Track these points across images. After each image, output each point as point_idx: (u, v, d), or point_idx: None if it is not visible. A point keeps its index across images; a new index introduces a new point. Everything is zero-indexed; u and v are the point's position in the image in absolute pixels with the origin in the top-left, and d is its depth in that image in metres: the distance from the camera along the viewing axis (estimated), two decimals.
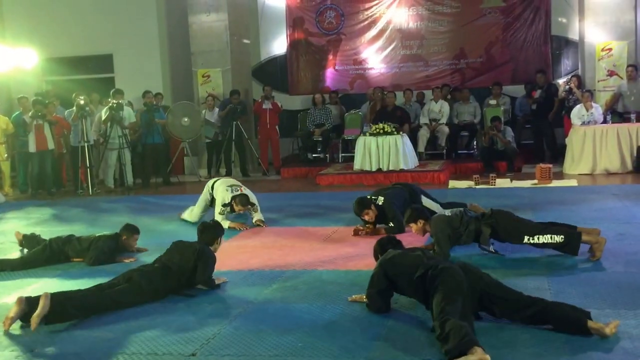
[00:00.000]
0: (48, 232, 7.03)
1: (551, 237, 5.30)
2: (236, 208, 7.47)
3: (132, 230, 6.23)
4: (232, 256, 6.13)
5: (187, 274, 4.90)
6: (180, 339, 4.03)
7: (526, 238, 5.37)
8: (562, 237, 5.29)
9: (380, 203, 6.77)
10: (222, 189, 7.56)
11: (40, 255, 6.01)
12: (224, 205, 7.48)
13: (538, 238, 5.33)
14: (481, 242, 5.56)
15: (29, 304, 4.27)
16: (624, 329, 3.80)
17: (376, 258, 4.62)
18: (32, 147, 10.87)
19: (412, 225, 5.68)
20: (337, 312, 4.37)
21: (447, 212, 5.88)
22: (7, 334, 4.24)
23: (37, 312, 4.17)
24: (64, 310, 4.32)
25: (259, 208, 7.69)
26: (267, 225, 7.51)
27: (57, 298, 4.33)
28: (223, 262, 5.88)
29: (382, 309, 4.31)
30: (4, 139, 11.05)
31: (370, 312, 4.31)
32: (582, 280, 4.84)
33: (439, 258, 4.57)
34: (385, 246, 4.64)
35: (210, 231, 5.21)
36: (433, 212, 6.25)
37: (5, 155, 11.10)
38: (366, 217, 6.75)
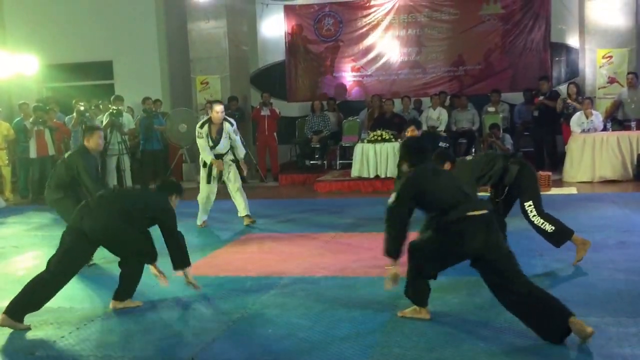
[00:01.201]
0: (48, 236, 7.05)
1: (543, 224, 5.39)
2: (215, 116, 7.68)
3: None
4: (230, 262, 6.14)
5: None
6: (178, 343, 4.03)
7: (530, 206, 5.41)
8: (553, 228, 5.38)
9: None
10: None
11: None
12: (201, 126, 7.72)
13: (535, 215, 5.42)
14: (506, 182, 5.50)
15: None
16: (625, 336, 3.79)
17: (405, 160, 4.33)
18: (32, 153, 10.94)
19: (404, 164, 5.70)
20: (335, 319, 4.36)
21: (469, 157, 6.01)
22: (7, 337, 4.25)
23: None
24: (24, 310, 4.40)
25: (239, 142, 7.94)
26: (263, 232, 7.51)
27: (11, 311, 4.37)
28: (221, 268, 5.90)
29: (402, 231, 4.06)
30: (5, 145, 11.10)
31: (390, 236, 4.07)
32: (582, 288, 4.83)
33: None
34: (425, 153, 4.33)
35: (168, 185, 5.08)
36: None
37: (7, 160, 11.14)
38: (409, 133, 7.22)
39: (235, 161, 7.94)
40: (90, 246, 4.63)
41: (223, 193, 8.22)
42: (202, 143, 7.77)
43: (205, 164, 7.89)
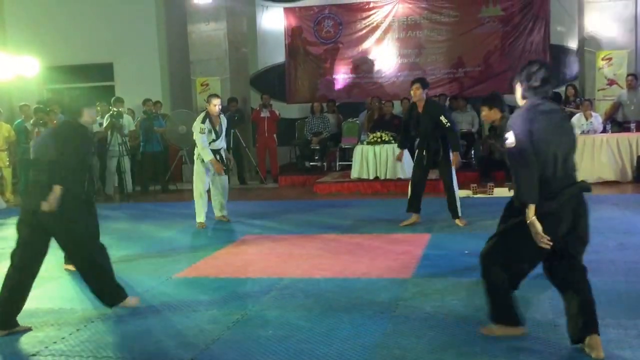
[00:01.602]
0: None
1: None
2: (213, 109, 7.85)
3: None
4: (230, 263, 6.16)
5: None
6: (179, 345, 4.04)
7: None
8: None
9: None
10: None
11: None
12: (202, 120, 7.85)
13: None
14: None
15: None
16: (625, 338, 3.80)
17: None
18: (33, 154, 10.93)
19: (485, 109, 5.62)
20: (335, 319, 4.37)
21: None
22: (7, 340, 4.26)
23: None
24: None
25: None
26: (263, 234, 7.52)
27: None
28: (221, 270, 5.92)
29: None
30: (6, 146, 11.13)
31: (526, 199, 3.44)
32: None
33: None
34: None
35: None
36: None
37: (7, 162, 11.17)
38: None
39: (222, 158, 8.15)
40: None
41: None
42: (203, 139, 7.81)
43: (202, 160, 7.95)
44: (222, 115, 8.14)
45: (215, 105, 7.90)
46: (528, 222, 3.42)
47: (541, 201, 3.41)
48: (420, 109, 7.43)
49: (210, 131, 7.86)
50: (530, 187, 3.39)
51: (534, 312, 4.29)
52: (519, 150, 3.40)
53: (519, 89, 3.64)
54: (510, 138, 3.45)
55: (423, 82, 7.45)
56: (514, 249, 3.63)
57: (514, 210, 3.61)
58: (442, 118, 7.25)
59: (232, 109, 12.23)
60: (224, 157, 8.13)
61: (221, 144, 8.07)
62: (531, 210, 3.41)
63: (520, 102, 3.65)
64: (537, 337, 3.85)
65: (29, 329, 4.40)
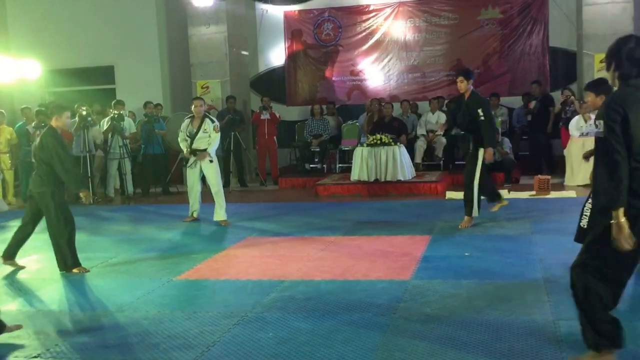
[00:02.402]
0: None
1: None
2: (195, 110, 8.35)
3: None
4: (230, 265, 6.20)
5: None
6: (180, 346, 4.06)
7: None
8: None
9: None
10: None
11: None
12: (184, 122, 8.45)
13: None
14: None
15: None
16: (630, 330, 3.75)
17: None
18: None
19: (590, 94, 4.85)
20: (336, 322, 4.40)
21: None
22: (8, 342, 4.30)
23: None
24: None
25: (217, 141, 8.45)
26: (264, 236, 7.56)
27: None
28: (222, 272, 5.95)
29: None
30: (8, 149, 11.16)
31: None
32: None
33: None
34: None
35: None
36: None
37: (9, 164, 11.19)
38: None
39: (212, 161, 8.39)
40: None
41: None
42: (180, 136, 8.49)
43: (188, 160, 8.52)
44: (207, 119, 8.42)
45: (197, 106, 8.43)
46: (614, 223, 2.99)
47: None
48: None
49: (185, 129, 8.44)
50: (614, 188, 3.01)
51: (534, 314, 4.32)
52: (608, 141, 3.00)
53: (611, 72, 3.17)
54: (600, 126, 3.05)
55: (465, 74, 7.40)
56: (609, 255, 3.10)
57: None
58: (480, 111, 7.22)
59: (230, 107, 12.28)
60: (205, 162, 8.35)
61: (200, 144, 8.33)
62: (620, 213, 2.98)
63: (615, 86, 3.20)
64: (538, 338, 3.87)
65: (19, 327, 4.46)
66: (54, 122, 6.24)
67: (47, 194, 6.02)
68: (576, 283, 3.22)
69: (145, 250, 6.97)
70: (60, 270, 6.12)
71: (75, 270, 6.09)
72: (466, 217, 7.41)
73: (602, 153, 3.07)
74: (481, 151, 7.26)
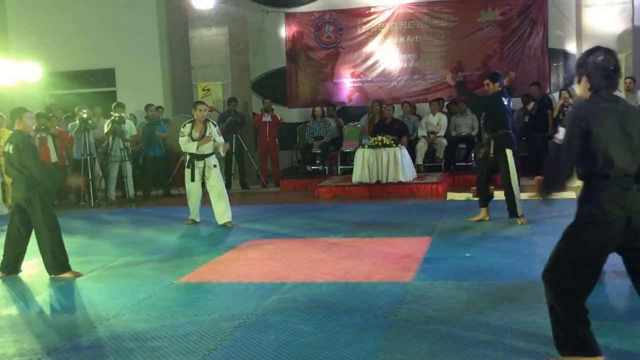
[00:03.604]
0: None
1: None
2: (198, 114, 8.19)
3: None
4: (232, 268, 6.20)
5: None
6: (182, 350, 4.07)
7: None
8: None
9: None
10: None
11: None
12: (184, 125, 8.34)
13: None
14: None
15: None
16: (631, 330, 3.79)
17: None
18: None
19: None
20: (338, 324, 4.40)
21: None
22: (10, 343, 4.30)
23: None
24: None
25: (221, 139, 8.47)
26: (265, 238, 7.57)
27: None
28: (223, 274, 5.96)
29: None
30: None
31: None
32: None
33: None
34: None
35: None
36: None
37: None
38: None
39: (216, 165, 8.41)
40: None
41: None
42: (183, 140, 8.27)
43: (188, 164, 8.35)
44: (210, 123, 8.37)
45: (201, 110, 8.25)
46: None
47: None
48: None
49: (189, 135, 8.26)
50: (554, 179, 3.26)
51: (535, 314, 4.31)
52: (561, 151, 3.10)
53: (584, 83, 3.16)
54: (560, 133, 3.11)
55: (492, 77, 7.66)
56: (577, 257, 3.21)
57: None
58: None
59: (231, 109, 12.29)
60: (207, 165, 8.30)
61: (205, 149, 8.29)
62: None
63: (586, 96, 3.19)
64: (538, 339, 3.87)
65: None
66: (16, 125, 6.16)
67: (34, 197, 5.93)
68: (548, 286, 3.27)
69: (146, 253, 6.97)
70: (50, 274, 6.01)
71: (67, 275, 5.99)
72: (520, 219, 7.53)
73: (551, 158, 3.19)
74: (508, 152, 7.47)
